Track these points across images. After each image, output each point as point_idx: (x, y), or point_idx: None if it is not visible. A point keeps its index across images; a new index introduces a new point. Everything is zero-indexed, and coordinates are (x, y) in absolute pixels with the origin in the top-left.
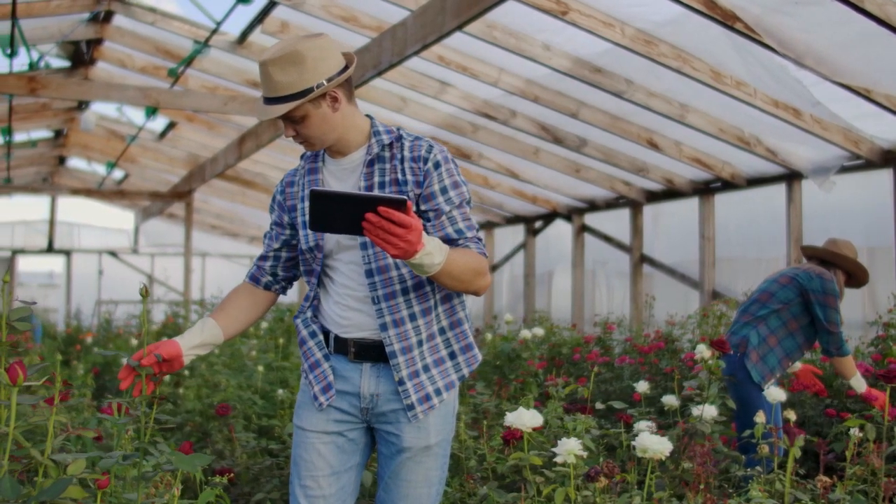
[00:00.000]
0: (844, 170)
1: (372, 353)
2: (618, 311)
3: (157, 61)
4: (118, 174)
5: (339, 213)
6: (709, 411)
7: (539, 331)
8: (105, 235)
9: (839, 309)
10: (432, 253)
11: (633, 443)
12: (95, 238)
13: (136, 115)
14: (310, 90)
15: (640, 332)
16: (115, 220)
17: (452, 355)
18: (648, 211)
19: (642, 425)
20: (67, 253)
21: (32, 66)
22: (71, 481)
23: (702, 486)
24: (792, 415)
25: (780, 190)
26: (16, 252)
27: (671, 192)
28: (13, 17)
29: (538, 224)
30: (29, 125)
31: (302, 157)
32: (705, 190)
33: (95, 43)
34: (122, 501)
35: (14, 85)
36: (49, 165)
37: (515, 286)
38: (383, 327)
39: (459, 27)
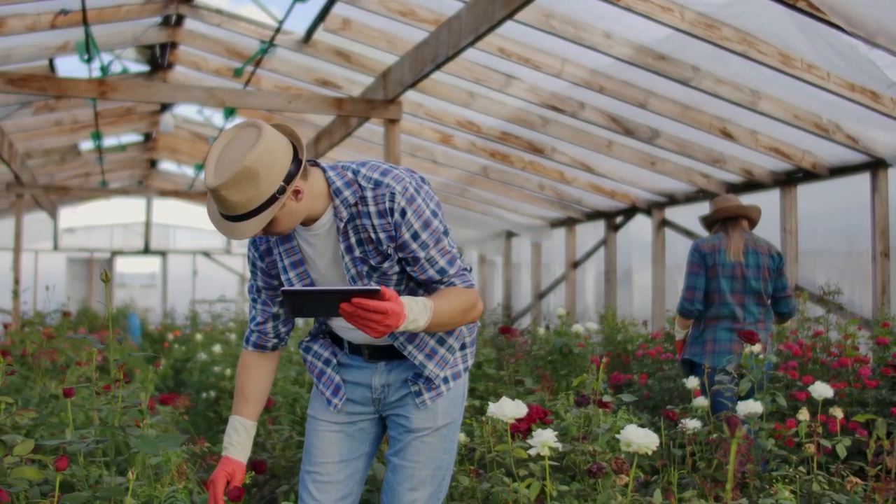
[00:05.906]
0: None
1: (386, 354)
2: None
3: (230, 63)
4: None
5: (314, 304)
6: (749, 407)
7: (592, 325)
8: (199, 236)
9: (690, 272)
10: (417, 319)
11: (616, 436)
12: (190, 239)
13: (218, 117)
14: (273, 199)
15: None
16: (209, 221)
17: (462, 347)
18: None
19: (689, 423)
20: (163, 254)
21: (104, 70)
22: None
23: (729, 486)
24: (839, 412)
25: (864, 179)
26: (115, 253)
27: (751, 184)
28: (84, 22)
29: (618, 219)
30: (117, 129)
31: None
32: (787, 181)
33: (171, 47)
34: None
35: (85, 89)
36: (141, 169)
37: (600, 283)
38: (422, 365)
39: (509, 16)
